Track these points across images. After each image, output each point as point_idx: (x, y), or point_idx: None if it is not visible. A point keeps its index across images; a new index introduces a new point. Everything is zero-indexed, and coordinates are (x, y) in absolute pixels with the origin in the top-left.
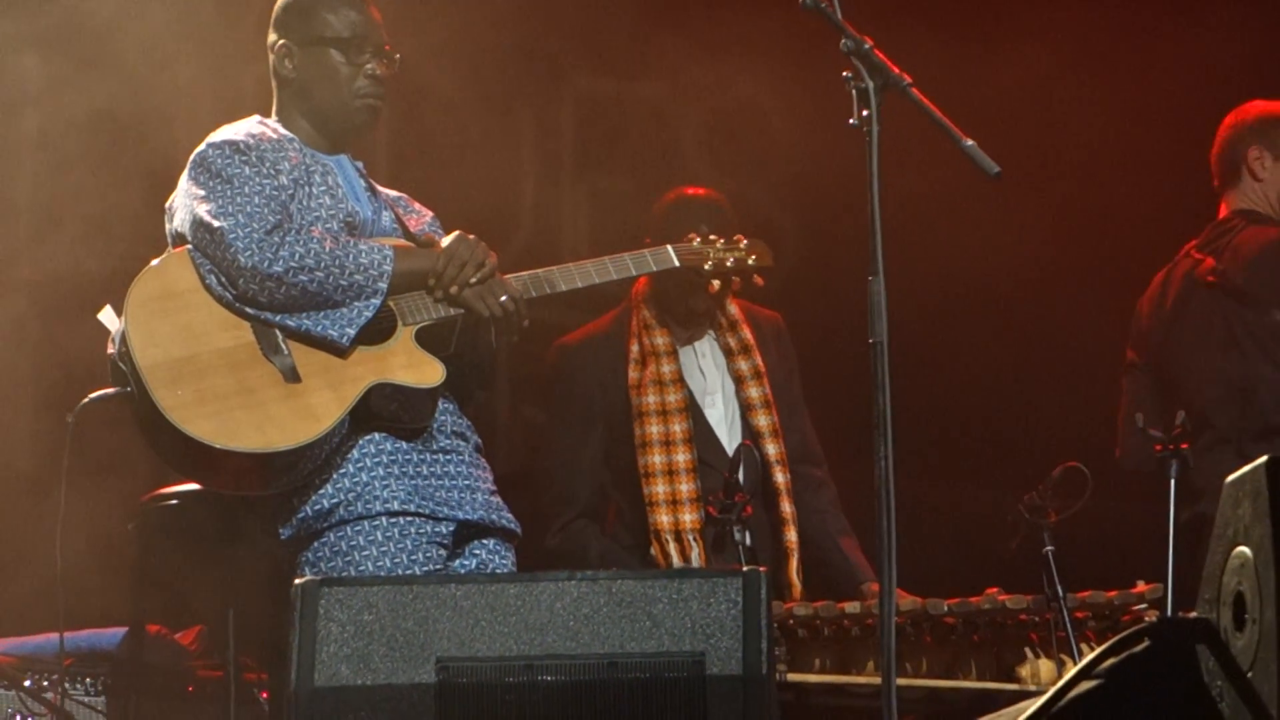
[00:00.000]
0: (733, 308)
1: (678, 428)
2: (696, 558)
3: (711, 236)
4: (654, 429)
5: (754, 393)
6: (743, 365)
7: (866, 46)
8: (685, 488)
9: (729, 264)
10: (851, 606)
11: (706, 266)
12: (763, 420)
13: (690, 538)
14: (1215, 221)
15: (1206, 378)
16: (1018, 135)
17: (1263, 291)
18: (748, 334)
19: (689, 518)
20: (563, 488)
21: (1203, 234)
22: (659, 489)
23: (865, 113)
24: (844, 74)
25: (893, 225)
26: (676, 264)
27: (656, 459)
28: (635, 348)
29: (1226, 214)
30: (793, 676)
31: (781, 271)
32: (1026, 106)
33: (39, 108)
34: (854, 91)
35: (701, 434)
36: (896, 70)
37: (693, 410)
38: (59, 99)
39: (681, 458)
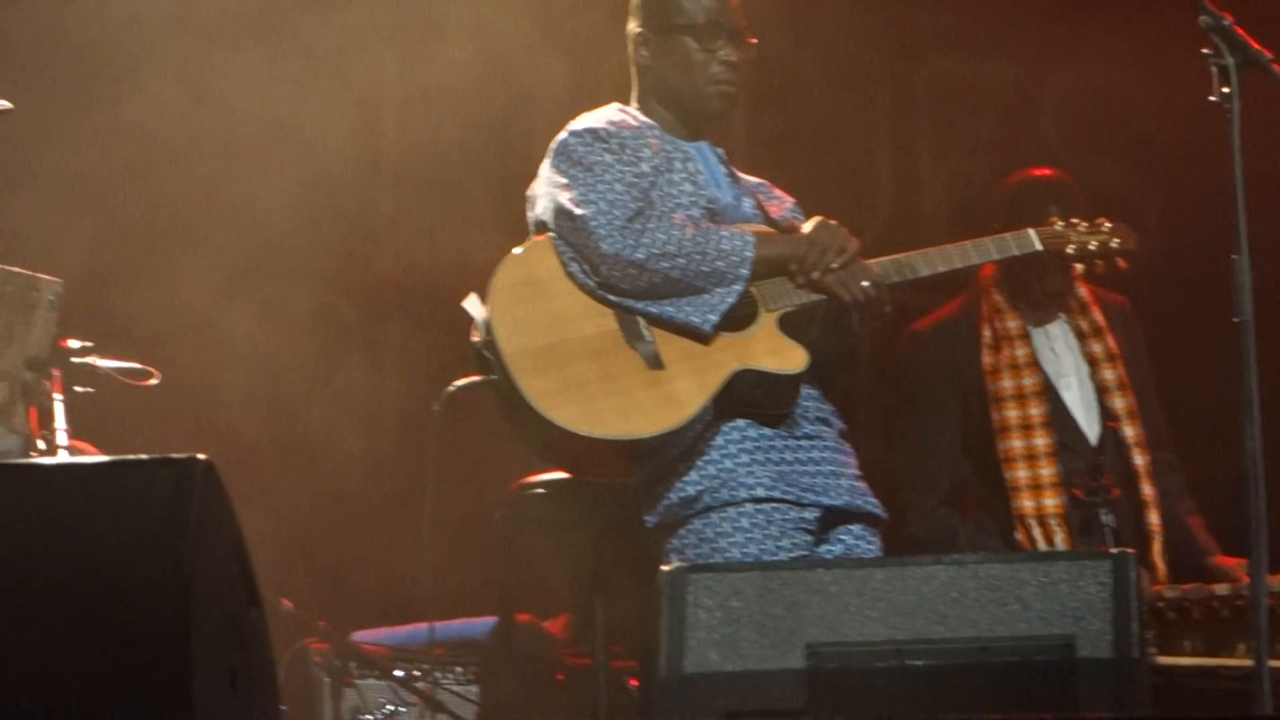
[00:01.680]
0: (1082, 290)
1: (1035, 411)
2: (1060, 542)
3: (1073, 219)
4: (1012, 413)
5: (1109, 375)
6: (1096, 347)
7: (1226, 23)
8: (1046, 472)
9: (1091, 247)
10: (1221, 588)
11: (1069, 250)
12: (1119, 402)
13: (1054, 522)
14: None
15: None
16: None
17: None
18: (1098, 316)
19: (1051, 502)
20: (923, 475)
21: None
22: (1020, 474)
23: (1225, 90)
24: (1203, 50)
25: (1254, 203)
26: (1039, 248)
27: (1016, 444)
28: (987, 332)
29: None
30: (1162, 659)
31: (1139, 252)
32: None
33: (395, 99)
34: (1214, 69)
35: (1059, 417)
36: (1256, 46)
37: (1049, 393)
38: (417, 88)
39: (1041, 442)
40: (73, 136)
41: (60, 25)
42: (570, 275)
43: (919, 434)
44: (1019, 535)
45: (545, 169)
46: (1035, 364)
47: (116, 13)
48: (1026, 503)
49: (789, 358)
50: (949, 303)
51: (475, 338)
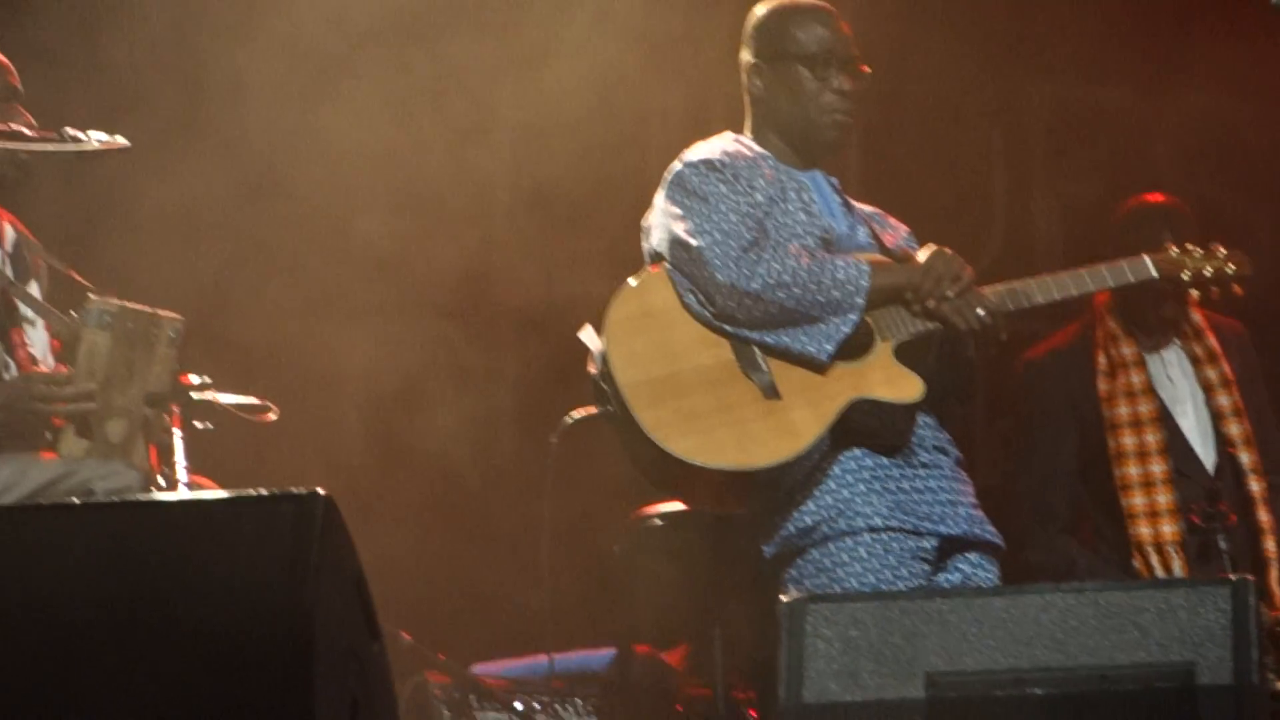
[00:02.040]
0: (1197, 316)
1: (1151, 438)
2: (1178, 569)
3: (1188, 245)
4: (1128, 440)
5: (1224, 401)
6: (1210, 373)
7: None
8: (1163, 499)
9: (1206, 273)
10: None
11: (1184, 276)
12: (1235, 429)
13: (1171, 549)
14: None
15: None
16: None
17: None
18: (1213, 342)
19: (1169, 529)
20: (1041, 502)
21: None
22: (1137, 501)
23: None
24: None
25: None
26: (1154, 274)
27: (1132, 470)
28: (1102, 359)
29: None
30: None
31: (1255, 277)
32: None
33: (508, 129)
34: None
35: (1175, 444)
36: None
37: (1165, 420)
38: (529, 119)
39: (1157, 468)
40: (185, 169)
41: (169, 57)
42: (686, 306)
43: (1036, 462)
44: (1136, 562)
45: (660, 199)
46: (1151, 390)
47: (225, 44)
48: (1144, 530)
49: (905, 387)
50: (1064, 329)
51: (591, 369)
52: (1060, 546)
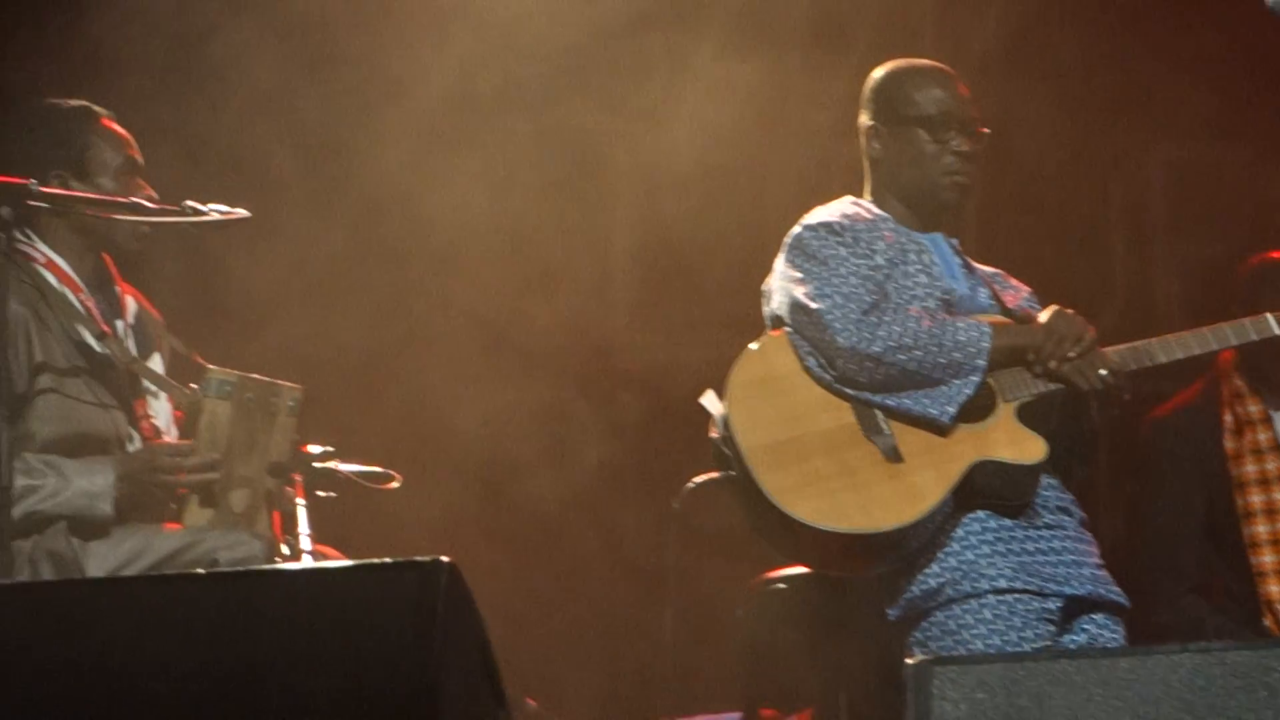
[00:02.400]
0: None
1: None
2: None
3: None
4: (1256, 499)
5: None
6: None
7: None
8: None
9: None
10: None
11: None
12: None
13: None
14: None
15: None
16: None
17: None
18: None
19: None
20: (1169, 562)
21: None
22: (1266, 559)
23: None
24: None
25: None
26: (1277, 332)
27: (1261, 529)
28: (1229, 417)
29: None
30: None
31: None
32: None
33: (626, 194)
34: None
35: None
36: None
37: None
38: (647, 183)
39: None
40: (298, 238)
41: (279, 122)
42: (807, 370)
43: (1163, 521)
44: (1266, 621)
45: (780, 263)
46: (1278, 447)
47: (339, 109)
48: (1274, 588)
49: (1028, 448)
50: (1189, 388)
51: (713, 434)
52: (1188, 606)
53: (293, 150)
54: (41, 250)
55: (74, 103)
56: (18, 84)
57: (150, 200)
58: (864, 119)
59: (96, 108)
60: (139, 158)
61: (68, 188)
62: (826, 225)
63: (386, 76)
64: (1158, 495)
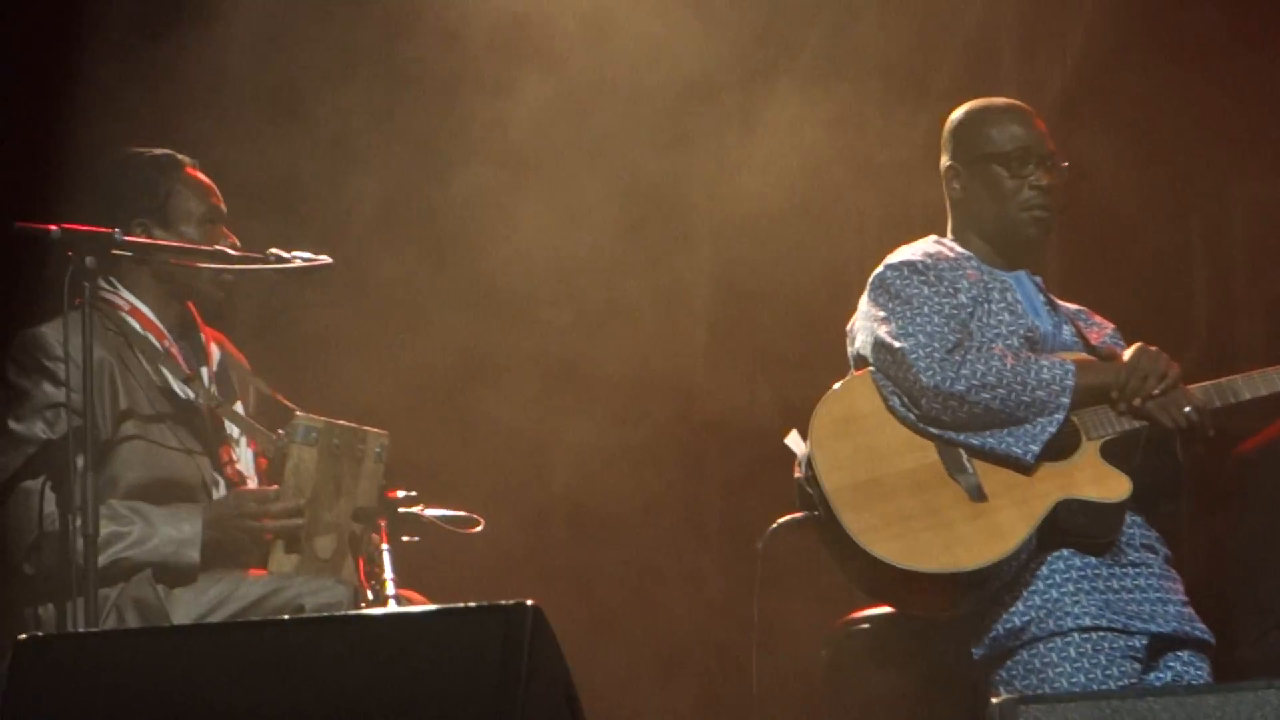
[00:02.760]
0: None
1: None
2: None
3: None
4: None
5: None
6: None
7: None
8: None
9: None
10: None
11: None
12: None
13: None
14: None
15: None
16: None
17: None
18: None
19: None
20: (1256, 597)
21: None
22: None
23: None
24: None
25: None
26: None
27: None
28: None
29: None
30: None
31: None
32: None
33: (703, 234)
34: None
35: None
36: None
37: None
38: (725, 224)
39: None
40: (381, 277)
41: (359, 161)
42: (891, 409)
43: (1250, 557)
44: None
45: (863, 303)
46: None
47: (421, 151)
48: None
49: (1112, 486)
50: (1275, 424)
51: (797, 474)
52: (1275, 642)
53: (375, 190)
54: (126, 298)
55: (158, 151)
56: (106, 133)
57: (234, 248)
58: (944, 160)
59: (181, 156)
60: (222, 206)
61: (151, 236)
62: (910, 264)
63: (469, 116)
64: (1245, 531)
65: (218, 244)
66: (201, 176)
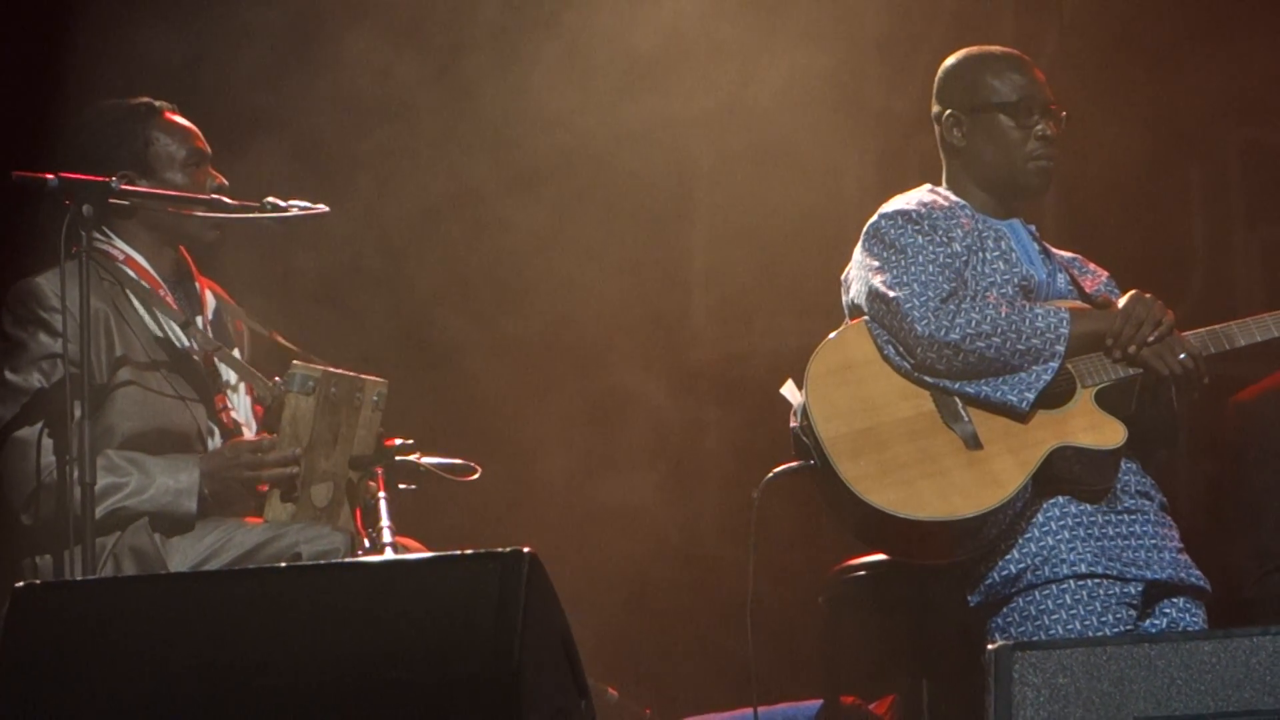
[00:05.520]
0: None
1: None
2: None
3: None
4: None
5: None
6: None
7: None
8: None
9: None
10: None
11: None
12: None
13: None
14: None
15: None
16: None
17: None
18: None
19: None
20: (1255, 541)
21: None
22: None
23: None
24: None
25: None
26: None
27: None
28: None
29: None
30: None
31: None
32: None
33: (702, 186)
34: None
35: None
36: None
37: None
38: (723, 176)
39: None
40: (390, 232)
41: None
42: (886, 358)
43: (1248, 502)
44: None
45: (858, 253)
46: None
47: (436, 151)
48: None
49: (1108, 433)
50: (1276, 373)
51: (793, 423)
52: (1275, 585)
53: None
54: (120, 247)
55: (134, 100)
56: (109, 82)
57: (224, 188)
58: (939, 109)
59: (158, 102)
60: (206, 148)
61: (135, 186)
62: (904, 213)
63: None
64: (1244, 478)
65: (205, 185)
66: (180, 120)
